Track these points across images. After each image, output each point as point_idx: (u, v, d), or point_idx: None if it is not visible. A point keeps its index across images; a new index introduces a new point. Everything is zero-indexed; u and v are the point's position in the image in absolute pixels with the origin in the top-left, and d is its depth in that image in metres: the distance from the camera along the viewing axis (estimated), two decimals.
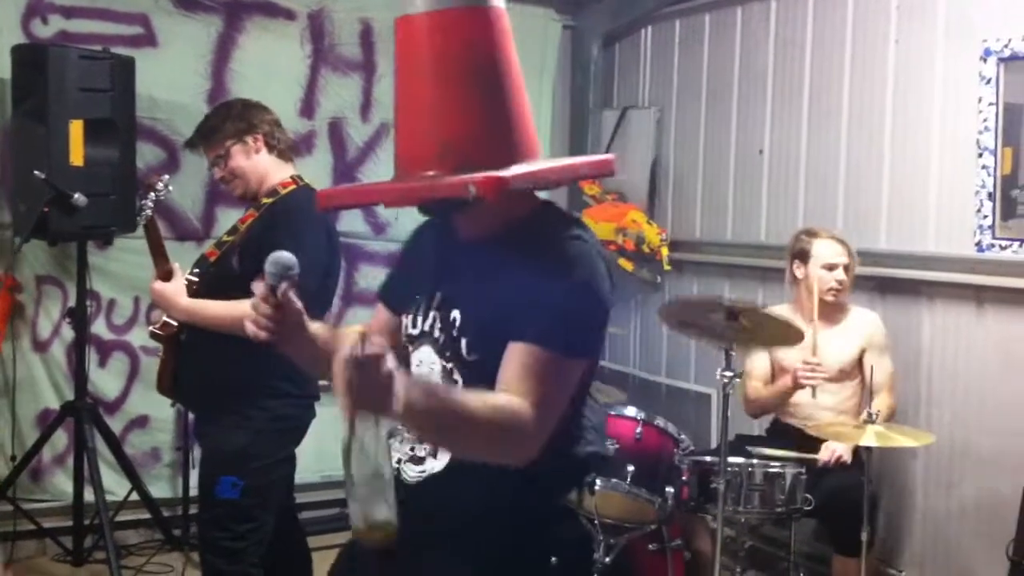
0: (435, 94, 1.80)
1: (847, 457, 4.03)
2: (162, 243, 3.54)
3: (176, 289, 3.38)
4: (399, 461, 1.95)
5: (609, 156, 2.02)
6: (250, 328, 1.83)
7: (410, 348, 2.00)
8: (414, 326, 1.99)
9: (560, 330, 1.76)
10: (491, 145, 1.78)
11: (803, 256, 4.29)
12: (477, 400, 1.69)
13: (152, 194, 3.59)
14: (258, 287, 1.81)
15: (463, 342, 1.88)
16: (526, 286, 1.78)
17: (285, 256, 1.86)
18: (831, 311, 4.27)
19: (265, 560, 3.48)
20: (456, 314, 1.90)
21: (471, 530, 1.87)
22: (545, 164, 1.88)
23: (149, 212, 3.58)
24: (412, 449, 1.95)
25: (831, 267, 4.22)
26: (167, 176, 3.70)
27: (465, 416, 1.66)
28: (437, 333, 1.93)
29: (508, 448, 1.72)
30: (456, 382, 1.89)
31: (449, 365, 1.90)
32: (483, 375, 1.82)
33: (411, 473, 1.94)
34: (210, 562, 3.42)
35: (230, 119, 3.50)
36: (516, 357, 1.76)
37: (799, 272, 4.31)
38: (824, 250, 4.24)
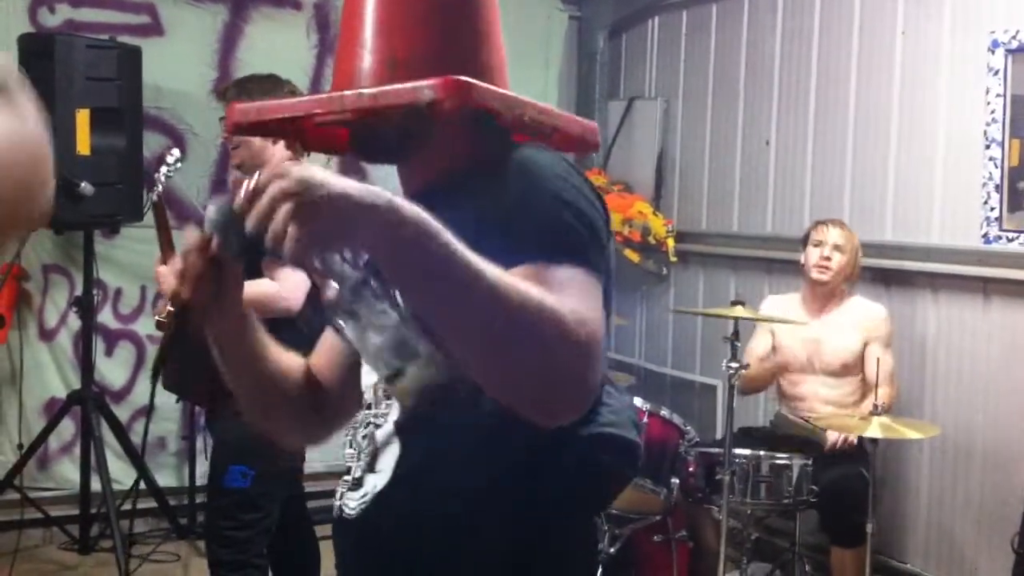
0: (381, 6, 1.47)
1: (853, 439, 4.03)
2: (169, 226, 3.53)
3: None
4: (340, 496, 1.51)
5: (593, 124, 1.61)
6: (167, 281, 1.44)
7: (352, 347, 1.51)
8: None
9: (568, 242, 1.33)
10: (451, 66, 1.37)
11: (805, 241, 4.36)
12: (505, 275, 1.20)
13: (164, 168, 3.56)
14: (192, 234, 1.38)
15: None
16: (500, 213, 1.33)
17: (228, 205, 1.60)
18: (828, 297, 4.29)
19: (273, 550, 3.50)
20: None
21: (446, 555, 1.41)
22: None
23: (160, 188, 3.55)
24: (351, 476, 1.50)
25: (818, 243, 4.27)
26: (177, 150, 3.65)
27: (493, 281, 1.17)
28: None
29: (567, 356, 1.20)
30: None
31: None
32: (427, 334, 1.30)
33: (351, 505, 1.47)
34: (216, 551, 3.43)
35: (269, 94, 3.45)
36: (542, 279, 1.27)
37: (802, 258, 4.34)
38: (819, 230, 4.31)
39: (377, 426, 1.46)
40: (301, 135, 1.60)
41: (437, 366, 1.18)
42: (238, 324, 1.52)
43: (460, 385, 1.21)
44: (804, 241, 4.37)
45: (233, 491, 3.32)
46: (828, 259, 4.23)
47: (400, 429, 1.42)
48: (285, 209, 1.14)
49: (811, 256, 4.28)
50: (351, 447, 1.51)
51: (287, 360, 1.60)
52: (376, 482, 1.43)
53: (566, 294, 1.24)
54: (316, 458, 4.77)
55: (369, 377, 1.49)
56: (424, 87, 1.31)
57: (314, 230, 1.13)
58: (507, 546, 1.40)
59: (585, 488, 1.46)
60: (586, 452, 1.43)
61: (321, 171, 1.17)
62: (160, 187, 3.54)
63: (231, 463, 3.33)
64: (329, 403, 1.62)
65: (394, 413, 1.43)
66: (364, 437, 1.47)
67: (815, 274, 4.26)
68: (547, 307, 1.19)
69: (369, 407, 1.49)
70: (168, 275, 1.41)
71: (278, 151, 3.46)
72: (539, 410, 1.24)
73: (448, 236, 1.17)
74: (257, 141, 3.42)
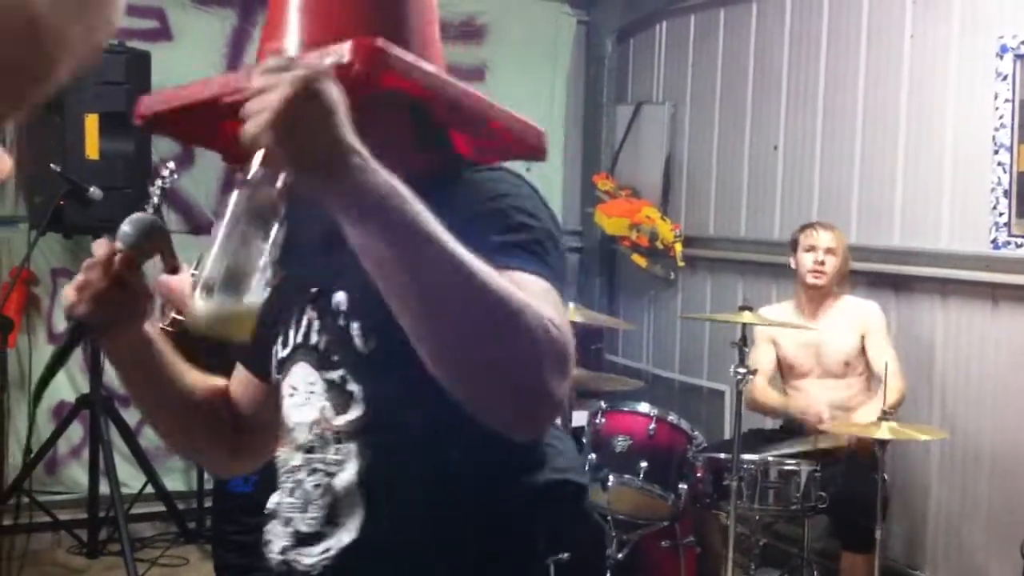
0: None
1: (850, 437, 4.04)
2: (169, 236, 3.53)
3: (184, 281, 3.37)
4: (283, 551, 1.44)
5: (538, 129, 1.42)
6: (68, 296, 1.32)
7: (279, 378, 1.45)
8: (284, 347, 1.43)
9: (531, 250, 1.24)
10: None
11: (794, 245, 4.38)
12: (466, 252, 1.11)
13: (159, 181, 3.58)
14: (100, 246, 1.32)
15: (354, 328, 1.32)
16: (457, 226, 1.14)
17: (147, 219, 1.43)
18: (821, 300, 4.30)
19: None
20: (340, 297, 1.34)
21: None
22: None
23: (156, 201, 3.56)
24: (295, 527, 1.41)
25: (811, 248, 4.28)
26: (172, 163, 3.67)
27: (467, 261, 1.09)
28: (314, 337, 1.38)
29: (549, 358, 1.11)
30: (351, 395, 1.33)
31: (335, 375, 1.35)
32: (385, 371, 1.30)
33: (307, 560, 1.38)
34: (222, 555, 3.43)
35: None
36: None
37: (793, 263, 4.36)
38: (808, 234, 4.32)
39: (329, 474, 1.35)
40: (219, 139, 1.46)
41: (237, 321, 1.14)
42: (141, 347, 1.42)
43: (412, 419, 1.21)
44: (793, 246, 4.37)
45: (238, 495, 3.32)
46: (822, 263, 4.25)
47: (364, 483, 1.32)
48: (282, 92, 1.05)
49: (805, 261, 4.28)
50: (292, 495, 1.40)
51: (202, 384, 1.53)
52: (341, 538, 1.34)
53: (539, 301, 1.15)
54: None
55: (302, 414, 1.38)
56: (333, 51, 1.16)
57: (292, 121, 1.04)
58: None
59: (547, 534, 1.45)
60: (547, 501, 1.40)
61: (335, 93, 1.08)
62: (156, 199, 3.55)
63: None
64: (248, 429, 1.56)
65: (352, 464, 1.33)
66: (316, 486, 1.36)
67: (811, 279, 4.27)
68: (533, 306, 1.12)
69: (311, 450, 1.37)
70: (69, 291, 1.34)
71: None
72: (507, 410, 1.15)
73: (416, 209, 1.09)
74: None
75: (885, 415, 3.60)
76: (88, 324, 1.33)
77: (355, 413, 1.33)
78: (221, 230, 1.13)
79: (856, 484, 3.93)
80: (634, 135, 5.99)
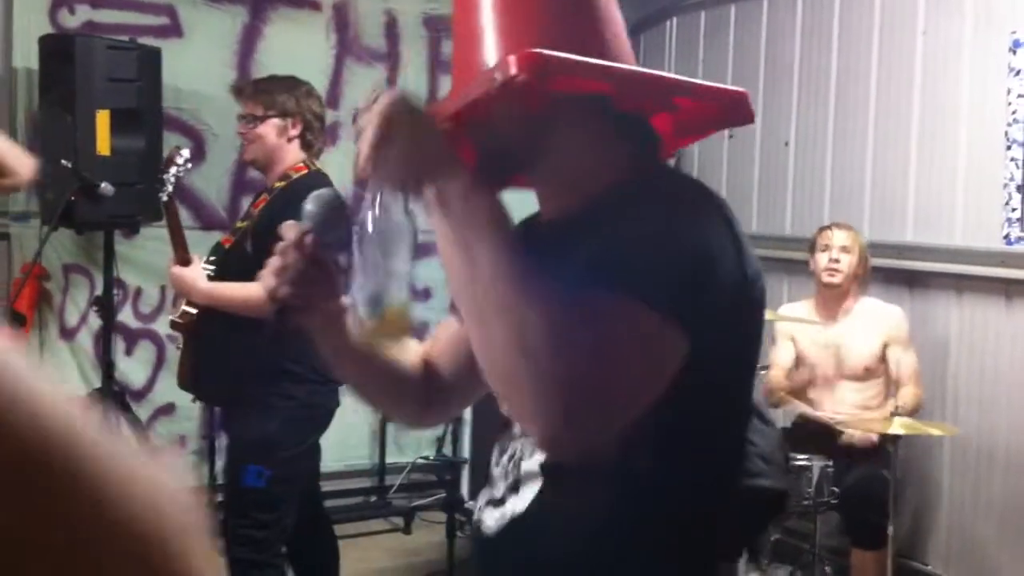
0: (484, 14, 1.38)
1: (874, 437, 4.01)
2: (181, 227, 3.53)
3: (195, 273, 3.37)
4: (479, 509, 1.52)
5: (741, 92, 1.44)
6: (267, 281, 1.40)
7: None
8: None
9: (650, 279, 1.22)
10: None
11: (812, 247, 4.36)
12: (534, 276, 1.21)
13: (173, 168, 3.57)
14: (289, 228, 1.40)
15: None
16: (605, 251, 1.26)
17: (328, 195, 1.48)
18: (841, 300, 4.29)
19: (292, 549, 3.50)
20: None
21: None
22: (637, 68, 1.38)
23: (170, 188, 3.55)
24: (491, 493, 1.50)
25: (825, 248, 4.27)
26: (187, 150, 3.64)
27: (512, 272, 1.20)
28: None
29: (541, 372, 1.16)
30: None
31: None
32: None
33: (488, 522, 1.47)
34: (235, 551, 3.43)
35: (292, 95, 3.46)
36: (583, 306, 1.23)
37: (811, 265, 4.35)
38: (825, 234, 4.31)
39: (523, 457, 1.44)
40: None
41: (391, 332, 1.29)
42: (339, 320, 1.46)
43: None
44: (811, 248, 4.36)
45: (250, 490, 3.32)
46: (837, 261, 4.23)
47: (544, 468, 1.39)
48: (370, 128, 1.21)
49: (820, 261, 4.27)
50: (498, 467, 1.50)
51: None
52: (516, 505, 1.42)
53: (602, 328, 1.20)
54: (334, 457, 4.79)
55: None
56: (499, 69, 1.23)
57: (380, 141, 1.21)
58: None
59: (726, 541, 1.43)
60: (735, 504, 1.41)
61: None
62: (170, 187, 3.54)
63: (247, 463, 3.33)
64: (444, 393, 1.62)
65: (540, 453, 1.41)
66: (511, 461, 1.46)
67: (826, 278, 4.25)
68: (531, 334, 1.16)
69: (515, 435, 1.47)
70: (268, 276, 1.41)
71: (292, 148, 3.47)
72: (517, 413, 1.30)
73: (499, 237, 1.21)
74: (272, 138, 3.43)
75: (897, 411, 3.60)
76: (291, 305, 1.40)
77: None
78: (359, 258, 1.28)
79: (867, 481, 3.92)
80: None
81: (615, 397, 1.21)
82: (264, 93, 3.44)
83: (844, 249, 4.24)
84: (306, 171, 3.45)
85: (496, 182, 1.41)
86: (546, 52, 1.24)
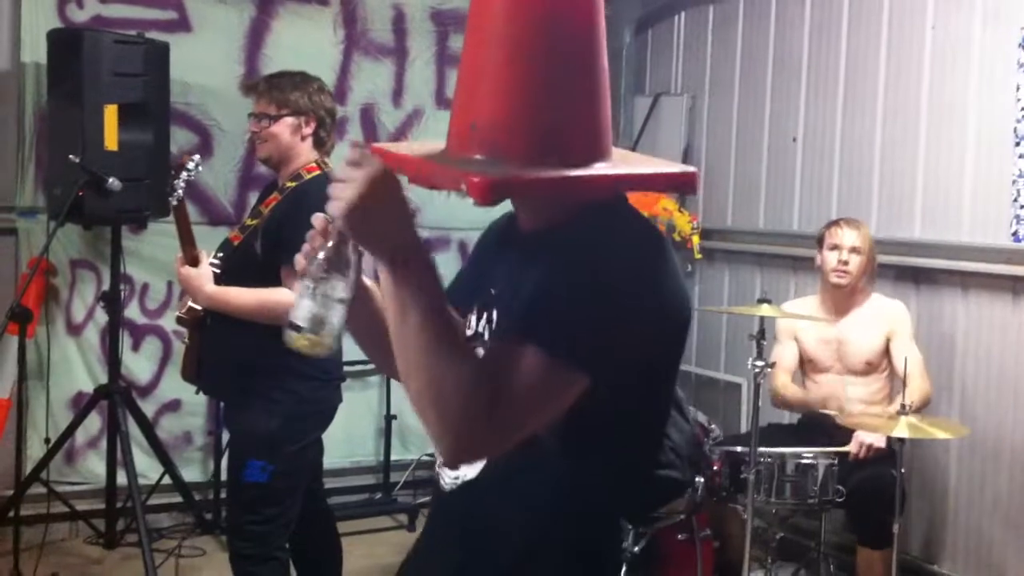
0: (478, 65, 1.53)
1: (879, 444, 4.00)
2: (190, 227, 3.53)
3: (202, 275, 3.36)
4: (439, 465, 1.73)
5: (690, 170, 1.64)
6: (299, 264, 1.55)
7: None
8: (468, 327, 1.73)
9: (553, 327, 1.45)
10: (525, 134, 1.48)
11: (820, 242, 4.34)
12: (453, 334, 1.45)
13: (184, 173, 3.57)
14: (318, 219, 1.56)
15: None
16: (544, 283, 1.50)
17: None
18: (847, 298, 4.27)
19: (294, 544, 3.50)
20: (495, 314, 1.67)
21: (501, 544, 1.63)
22: (591, 170, 1.54)
23: (180, 193, 3.55)
24: None
25: (835, 247, 4.24)
26: (197, 156, 3.63)
27: (437, 341, 1.41)
28: (486, 336, 1.69)
29: (448, 418, 1.41)
30: None
31: None
32: None
33: (447, 479, 1.70)
34: (238, 546, 3.43)
35: (305, 93, 3.45)
36: (497, 349, 1.53)
37: (818, 260, 4.32)
38: (833, 232, 4.27)
39: None
40: None
41: (316, 348, 1.47)
42: (361, 297, 1.62)
43: None
44: (819, 242, 4.33)
45: (253, 485, 3.32)
46: (846, 263, 4.20)
47: None
48: (354, 186, 1.39)
49: (829, 260, 4.24)
50: None
51: None
52: (467, 472, 1.64)
53: (502, 373, 1.42)
54: (339, 454, 4.80)
55: None
56: (462, 182, 1.42)
57: (358, 206, 1.39)
58: (549, 545, 1.61)
59: (628, 511, 1.74)
60: (644, 489, 1.70)
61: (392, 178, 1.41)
62: (180, 192, 3.53)
63: (250, 457, 3.33)
64: None
65: None
66: None
67: (834, 279, 4.23)
68: (466, 370, 1.40)
69: None
70: (298, 259, 1.55)
71: (305, 146, 3.46)
72: (437, 444, 1.47)
73: (427, 300, 1.41)
74: (286, 136, 3.43)
75: (904, 410, 3.58)
76: None
77: None
78: (307, 280, 1.47)
79: (874, 479, 3.91)
80: (652, 126, 5.96)
81: (507, 434, 1.45)
82: (277, 91, 3.43)
83: (854, 250, 4.21)
84: (318, 171, 3.44)
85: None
86: (497, 182, 1.42)
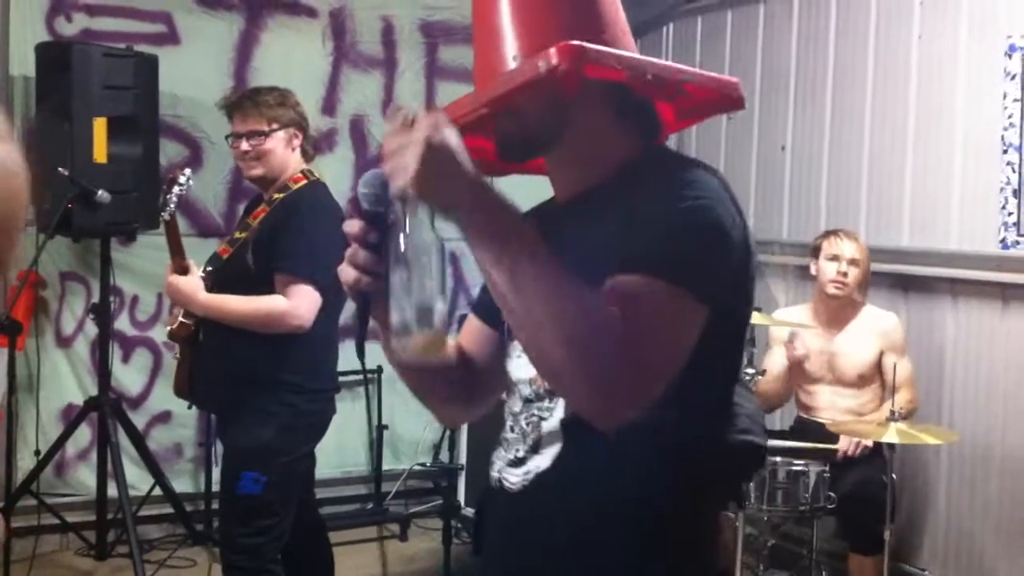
0: (513, 5, 1.54)
1: (867, 442, 4.00)
2: (180, 239, 3.53)
3: (193, 284, 3.37)
4: (499, 470, 1.65)
5: (732, 80, 1.63)
6: (347, 275, 1.43)
7: (508, 340, 1.68)
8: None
9: (670, 256, 1.39)
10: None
11: (816, 252, 4.33)
12: (562, 273, 1.33)
13: (176, 188, 3.57)
14: (352, 224, 1.43)
15: None
16: (626, 226, 1.43)
17: (376, 174, 1.46)
18: (841, 309, 4.28)
19: (286, 556, 3.50)
20: None
21: (592, 535, 1.51)
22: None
23: (172, 208, 3.55)
24: (512, 451, 1.64)
25: (834, 258, 4.23)
26: (188, 170, 3.62)
27: (548, 273, 1.31)
28: None
29: (586, 356, 1.30)
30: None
31: None
32: None
33: (512, 479, 1.61)
34: (231, 559, 3.43)
35: (288, 106, 3.46)
36: (609, 289, 1.38)
37: (813, 269, 4.33)
38: (832, 243, 4.27)
39: (542, 418, 1.58)
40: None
41: (437, 344, 1.36)
42: None
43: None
44: (815, 252, 4.33)
45: (246, 497, 3.31)
46: (845, 275, 4.20)
47: (565, 426, 1.54)
48: (413, 151, 1.29)
49: (826, 271, 4.24)
50: (513, 431, 1.64)
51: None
52: (539, 463, 1.57)
53: (639, 309, 1.34)
54: (331, 464, 4.80)
55: (524, 372, 1.62)
56: (539, 59, 1.39)
57: (427, 174, 1.29)
58: (640, 535, 1.50)
59: (720, 489, 1.65)
60: (729, 457, 1.62)
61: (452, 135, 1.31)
62: (172, 207, 3.53)
63: (244, 469, 3.32)
64: (479, 381, 1.75)
65: (559, 411, 1.56)
66: (528, 424, 1.60)
67: (832, 290, 4.22)
68: (594, 312, 1.32)
69: (529, 400, 1.61)
70: (343, 271, 1.45)
71: (295, 158, 3.47)
72: (579, 406, 1.40)
73: (520, 234, 1.33)
74: (280, 150, 3.43)
75: (893, 416, 3.59)
76: (370, 294, 1.45)
77: None
78: (395, 276, 1.36)
79: (865, 485, 3.92)
80: None
81: (650, 372, 1.36)
82: (265, 107, 3.43)
83: (853, 262, 4.22)
84: (305, 181, 3.45)
85: (516, 164, 1.64)
86: (584, 44, 1.39)
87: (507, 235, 1.33)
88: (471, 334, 1.79)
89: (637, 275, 1.37)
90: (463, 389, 1.74)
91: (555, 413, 1.56)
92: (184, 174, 3.57)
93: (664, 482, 1.49)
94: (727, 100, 1.64)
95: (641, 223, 1.42)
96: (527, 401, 1.62)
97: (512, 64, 1.51)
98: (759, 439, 1.60)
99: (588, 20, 1.54)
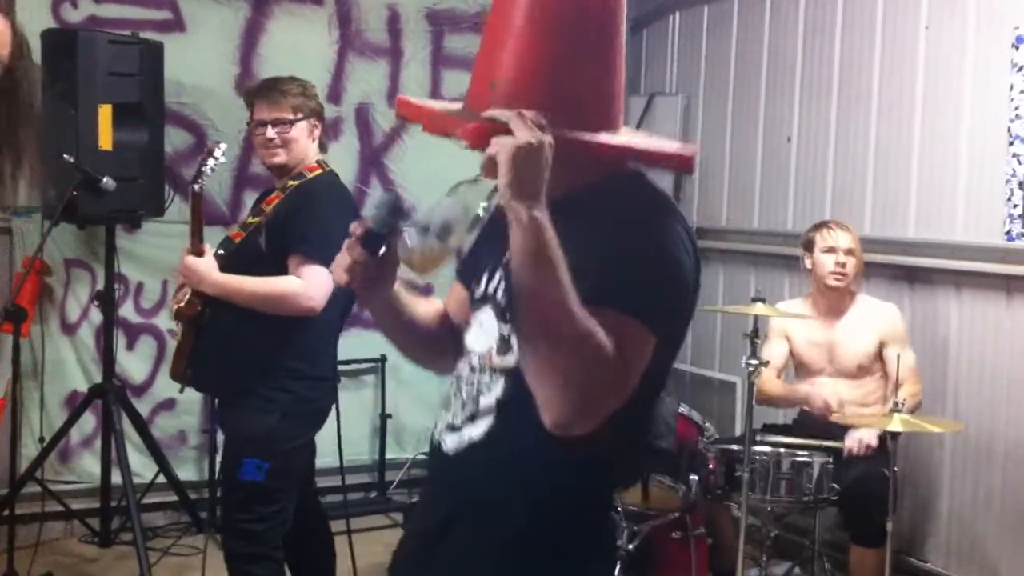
0: (502, 27, 1.62)
1: (874, 443, 4.01)
2: (202, 217, 3.53)
3: (208, 263, 3.38)
4: (439, 431, 1.81)
5: (688, 149, 1.80)
6: (339, 274, 1.68)
7: (472, 312, 1.84)
8: (479, 287, 1.83)
9: (645, 298, 1.56)
10: (538, 94, 1.56)
11: (809, 246, 4.33)
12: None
13: (211, 160, 3.54)
14: (358, 227, 1.65)
15: None
16: (600, 248, 1.56)
17: (395, 197, 1.66)
18: (839, 300, 4.28)
19: (288, 544, 3.51)
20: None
21: (503, 504, 1.69)
22: (600, 136, 1.65)
23: (204, 181, 3.52)
24: (452, 416, 1.79)
25: (830, 250, 4.24)
26: (224, 145, 3.60)
27: (568, 288, 1.46)
28: (499, 296, 1.75)
29: (591, 369, 1.47)
30: (511, 348, 1.69)
31: (506, 328, 1.72)
32: None
33: (448, 443, 1.78)
34: (232, 545, 3.43)
35: (309, 97, 3.50)
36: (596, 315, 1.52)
37: (808, 263, 4.32)
38: (825, 235, 4.27)
39: (480, 392, 1.73)
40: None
41: (440, 259, 1.50)
42: (390, 299, 1.81)
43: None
44: (807, 246, 4.33)
45: (248, 484, 3.32)
46: (843, 266, 4.21)
47: (499, 406, 1.70)
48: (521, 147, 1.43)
49: (824, 263, 4.24)
50: (456, 397, 1.79)
51: (424, 308, 1.93)
52: (472, 433, 1.72)
53: (623, 343, 1.49)
54: (333, 452, 4.79)
55: (478, 345, 1.78)
56: (459, 131, 1.53)
57: (528, 147, 1.43)
58: (549, 506, 1.67)
59: (623, 476, 1.87)
60: (639, 456, 1.86)
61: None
62: (204, 180, 3.52)
63: (245, 456, 3.33)
64: (457, 338, 1.90)
65: (497, 391, 1.70)
66: (469, 396, 1.76)
67: (832, 282, 4.23)
68: (597, 335, 1.46)
69: (474, 371, 1.76)
70: (336, 267, 1.68)
71: (314, 148, 3.50)
72: (552, 411, 1.51)
73: (556, 239, 1.46)
74: (303, 139, 3.46)
75: (897, 407, 3.59)
76: (358, 290, 1.72)
77: (510, 359, 1.68)
78: (449, 193, 1.49)
79: (867, 477, 3.92)
80: (647, 127, 5.96)
81: (617, 399, 1.52)
82: (292, 96, 3.46)
83: (849, 252, 4.23)
84: (320, 170, 3.48)
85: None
86: (488, 125, 1.49)
87: (552, 237, 1.46)
88: (455, 299, 1.97)
89: (613, 310, 1.51)
90: (448, 345, 1.91)
91: (493, 390, 1.71)
92: (220, 147, 3.56)
93: (574, 474, 1.65)
94: (679, 167, 1.83)
95: (616, 259, 1.56)
96: (472, 371, 1.76)
97: (489, 89, 1.60)
98: (665, 443, 1.83)
99: (572, 51, 1.60)
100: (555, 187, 1.60)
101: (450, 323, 1.96)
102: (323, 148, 3.58)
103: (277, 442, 3.34)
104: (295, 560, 3.64)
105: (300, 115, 3.45)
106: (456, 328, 1.92)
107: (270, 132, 3.44)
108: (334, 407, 3.54)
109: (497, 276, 1.77)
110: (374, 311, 1.84)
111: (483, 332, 1.78)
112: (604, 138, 1.64)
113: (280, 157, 3.45)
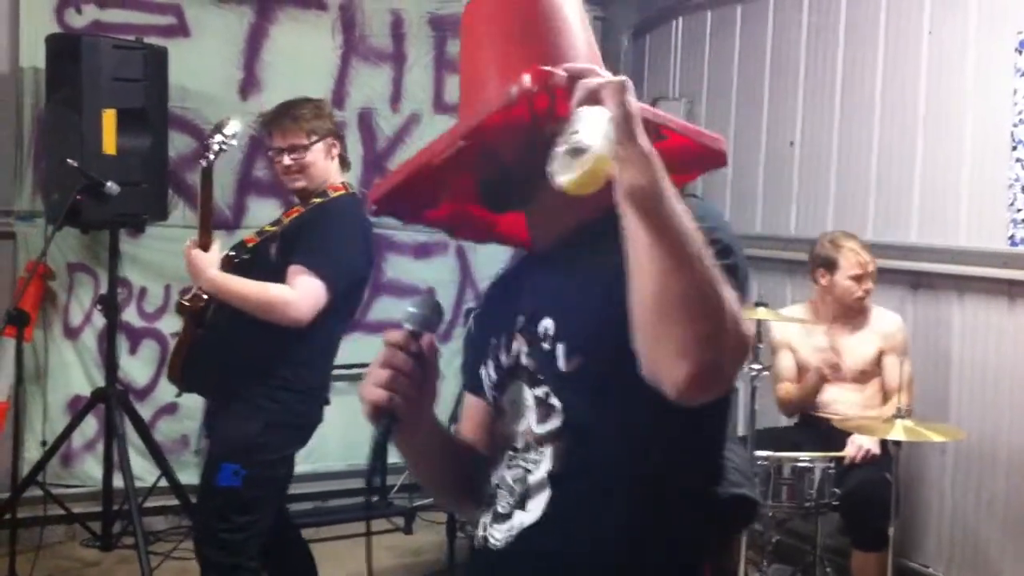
0: (485, 57, 1.57)
1: (875, 450, 4.00)
2: (211, 199, 3.52)
3: (209, 259, 3.37)
4: (484, 527, 1.62)
5: (719, 139, 1.69)
6: (370, 392, 1.48)
7: (496, 395, 1.65)
8: (498, 368, 1.64)
9: (734, 281, 1.40)
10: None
11: (829, 265, 4.25)
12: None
13: (219, 136, 3.49)
14: (394, 334, 1.47)
15: (559, 350, 1.51)
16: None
17: (434, 300, 1.52)
18: (852, 314, 4.27)
19: (267, 555, 3.50)
20: (547, 323, 1.54)
21: None
22: None
23: (212, 156, 3.49)
24: (495, 509, 1.60)
25: (859, 278, 4.20)
26: (236, 122, 3.56)
27: (691, 223, 1.31)
28: (524, 359, 1.58)
29: (732, 301, 1.31)
30: (553, 408, 1.53)
31: (542, 392, 1.55)
32: (584, 386, 1.49)
33: (497, 536, 1.58)
34: (209, 554, 3.40)
35: (323, 118, 3.49)
36: None
37: (823, 280, 4.28)
38: (852, 262, 4.20)
39: (528, 471, 1.55)
40: (443, 214, 1.68)
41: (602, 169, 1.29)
42: (431, 429, 1.60)
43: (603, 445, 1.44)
44: (826, 264, 4.26)
45: (225, 490, 3.28)
46: (868, 289, 4.21)
47: (553, 478, 1.52)
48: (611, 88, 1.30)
49: (851, 291, 4.18)
50: (500, 488, 1.60)
51: (466, 448, 1.71)
52: (524, 519, 1.54)
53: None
54: (336, 457, 4.81)
55: (520, 424, 1.59)
56: (511, 88, 1.37)
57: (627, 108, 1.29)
58: None
59: (711, 542, 1.60)
60: (719, 510, 1.56)
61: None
62: (213, 155, 3.49)
63: (224, 461, 3.31)
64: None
65: (546, 463, 1.53)
66: (515, 479, 1.57)
67: (857, 304, 4.22)
68: (733, 299, 1.31)
69: (516, 451, 1.58)
70: (371, 388, 1.49)
71: (335, 167, 3.50)
72: (684, 368, 1.29)
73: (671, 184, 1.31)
74: (321, 161, 3.44)
75: (899, 413, 3.58)
76: (399, 415, 1.47)
77: (554, 423, 1.53)
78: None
79: (869, 483, 3.91)
80: None
81: (747, 348, 1.36)
82: (304, 120, 3.43)
83: (871, 272, 4.22)
84: (343, 192, 3.49)
85: (498, 209, 1.64)
86: (552, 69, 1.37)
87: (681, 214, 1.30)
88: (472, 418, 1.74)
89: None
90: (476, 480, 1.68)
91: (542, 465, 1.54)
92: (231, 125, 3.52)
93: (654, 537, 1.48)
94: (708, 154, 1.69)
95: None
96: (514, 452, 1.58)
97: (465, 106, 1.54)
98: (751, 492, 1.58)
99: (560, 56, 1.52)
100: (559, 227, 1.57)
101: (474, 451, 1.71)
102: (344, 164, 3.56)
103: (258, 451, 3.31)
104: (275, 572, 3.64)
105: (315, 138, 3.43)
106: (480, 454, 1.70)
107: (287, 160, 3.44)
108: (335, 407, 3.55)
109: (515, 344, 1.60)
110: (414, 447, 1.61)
111: (515, 412, 1.60)
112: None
113: (300, 182, 3.46)
